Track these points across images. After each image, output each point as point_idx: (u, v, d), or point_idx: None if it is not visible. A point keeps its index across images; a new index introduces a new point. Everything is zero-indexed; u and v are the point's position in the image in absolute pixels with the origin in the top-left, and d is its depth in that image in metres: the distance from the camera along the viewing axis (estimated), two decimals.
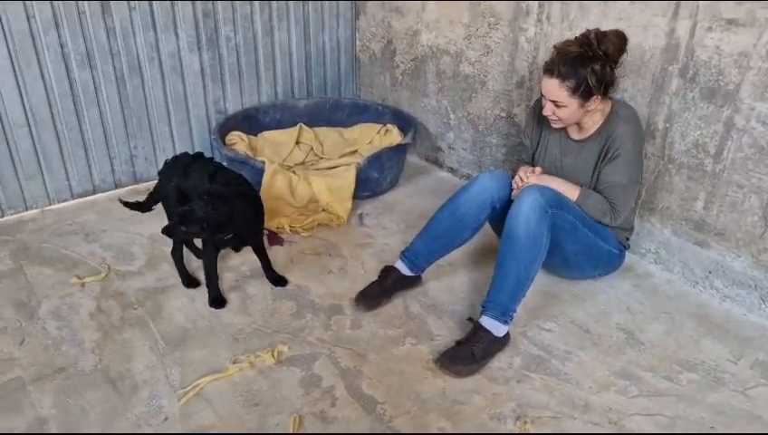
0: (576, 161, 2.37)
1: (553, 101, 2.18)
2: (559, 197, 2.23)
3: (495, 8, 2.95)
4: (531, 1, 2.78)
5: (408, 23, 3.47)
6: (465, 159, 3.44)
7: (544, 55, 2.80)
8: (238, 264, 2.69)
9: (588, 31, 2.13)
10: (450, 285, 2.58)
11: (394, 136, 3.49)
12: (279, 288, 2.54)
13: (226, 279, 2.59)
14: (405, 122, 3.51)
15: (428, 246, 2.43)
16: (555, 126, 2.30)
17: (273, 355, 2.15)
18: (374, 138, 3.58)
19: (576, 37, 2.15)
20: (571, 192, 2.30)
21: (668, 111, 2.41)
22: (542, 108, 2.30)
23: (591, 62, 2.08)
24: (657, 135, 2.46)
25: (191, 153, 2.59)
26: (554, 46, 2.19)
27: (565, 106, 2.17)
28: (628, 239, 2.51)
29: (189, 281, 2.56)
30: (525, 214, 2.15)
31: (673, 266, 2.60)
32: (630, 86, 2.49)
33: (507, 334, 2.20)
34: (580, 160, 2.36)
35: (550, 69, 2.15)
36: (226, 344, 2.22)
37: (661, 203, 2.55)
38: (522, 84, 2.97)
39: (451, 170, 3.57)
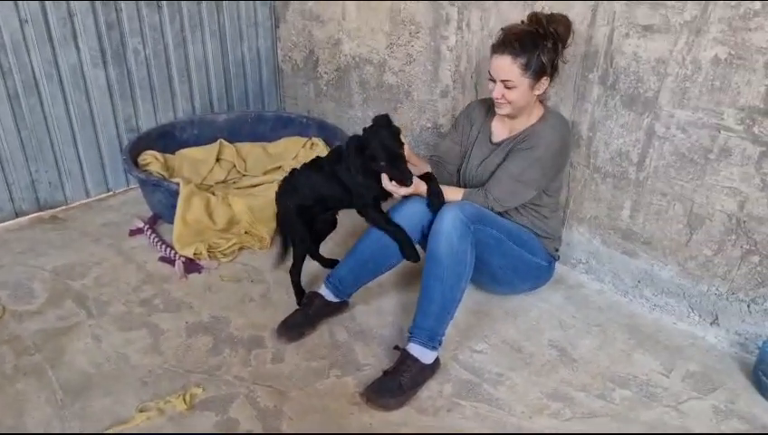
0: (487, 163, 2.29)
1: (504, 81, 2.08)
2: (480, 211, 2.14)
3: (416, 16, 2.85)
4: (451, 8, 2.69)
5: (329, 31, 3.34)
6: None
7: (467, 64, 2.72)
8: (150, 296, 2.50)
9: (535, 12, 2.09)
10: (379, 309, 2.46)
11: (320, 149, 3.35)
12: (193, 321, 2.35)
13: (136, 314, 2.39)
14: (331, 135, 3.37)
15: (354, 272, 2.30)
16: (502, 111, 2.18)
17: (184, 400, 1.97)
18: (299, 152, 3.43)
19: (524, 19, 2.09)
20: (455, 195, 2.22)
21: (591, 120, 2.36)
22: (479, 107, 2.24)
23: (543, 39, 2.03)
24: (582, 144, 2.42)
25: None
26: (501, 29, 2.11)
27: (516, 87, 2.08)
28: (557, 250, 2.44)
29: (302, 297, 2.41)
30: (447, 232, 2.05)
31: (603, 276, 2.56)
32: (554, 94, 2.43)
33: (437, 360, 2.09)
34: (490, 162, 2.27)
35: (502, 46, 2.06)
36: (134, 390, 2.03)
37: (589, 212, 2.50)
38: (446, 94, 2.88)
39: None
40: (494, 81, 2.11)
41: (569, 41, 2.09)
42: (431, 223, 2.22)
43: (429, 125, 3.03)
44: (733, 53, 1.94)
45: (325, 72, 3.48)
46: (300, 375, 2.11)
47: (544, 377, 2.12)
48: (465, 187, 2.32)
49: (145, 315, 2.39)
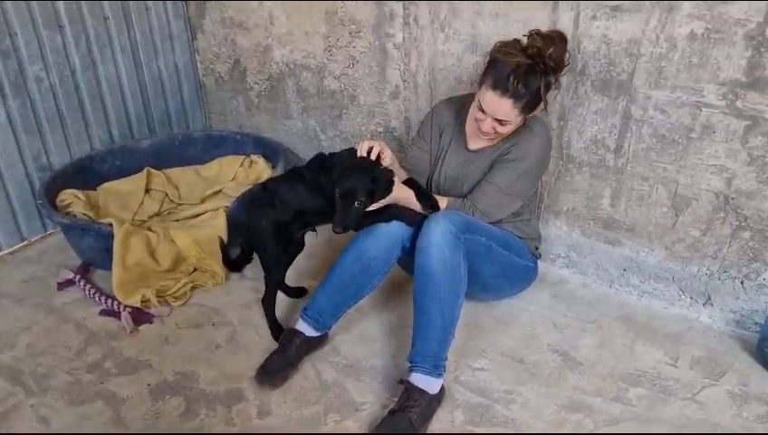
0: (464, 172, 2.14)
1: (499, 120, 1.92)
2: (466, 219, 1.99)
3: (355, 15, 2.65)
4: (395, 3, 2.50)
5: (255, 38, 3.06)
6: None
7: (417, 61, 2.55)
8: (99, 359, 2.16)
9: (531, 35, 1.86)
10: (362, 336, 2.25)
11: (260, 167, 3.08)
12: (156, 381, 2.05)
13: (86, 384, 2.05)
14: (270, 150, 3.11)
15: (334, 300, 2.08)
16: (486, 139, 2.04)
17: None
18: (238, 172, 3.14)
19: (518, 44, 1.86)
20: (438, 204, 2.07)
21: (561, 109, 2.26)
22: (446, 110, 2.13)
23: (544, 75, 1.83)
24: (553, 135, 2.30)
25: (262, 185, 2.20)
26: (494, 54, 1.87)
27: (510, 123, 1.92)
28: (537, 249, 2.32)
29: (279, 332, 2.19)
30: (438, 246, 1.87)
31: (586, 269, 2.47)
32: None
33: (442, 388, 1.92)
34: (468, 172, 2.13)
35: (502, 87, 1.83)
36: None
37: (566, 205, 2.40)
38: (396, 95, 2.70)
39: None
40: (483, 112, 1.93)
41: (565, 69, 1.92)
42: (413, 238, 2.05)
43: (381, 129, 2.83)
44: (710, 27, 1.87)
45: (255, 83, 3.21)
46: (293, 427, 1.87)
47: (555, 387, 1.99)
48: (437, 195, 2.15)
49: (97, 383, 2.06)
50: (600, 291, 2.43)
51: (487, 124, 1.94)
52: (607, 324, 2.25)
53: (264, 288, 2.21)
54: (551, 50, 1.82)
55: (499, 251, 2.08)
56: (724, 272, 2.14)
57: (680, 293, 2.27)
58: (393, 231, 2.03)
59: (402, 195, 1.99)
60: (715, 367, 2.05)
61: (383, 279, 2.10)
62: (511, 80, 1.81)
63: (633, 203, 2.23)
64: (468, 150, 2.14)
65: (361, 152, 1.97)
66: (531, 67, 1.81)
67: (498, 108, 1.88)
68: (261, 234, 2.12)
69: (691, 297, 2.25)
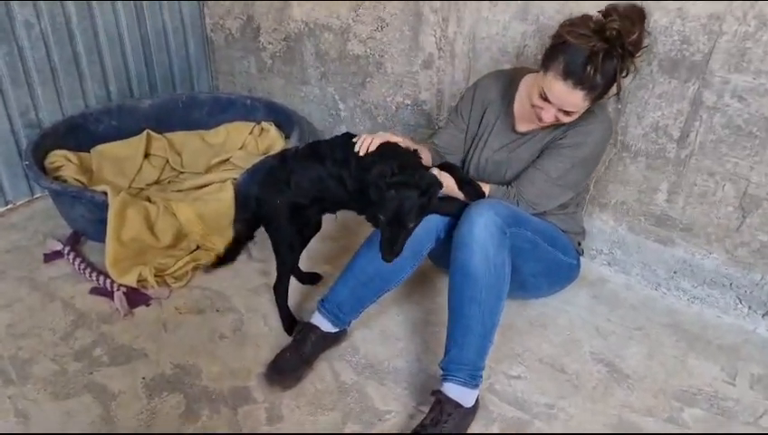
0: (510, 156, 1.89)
1: (565, 110, 1.66)
2: (514, 211, 1.75)
3: None
4: None
5: None
6: None
7: (456, 27, 2.28)
8: (88, 346, 1.93)
9: (608, 13, 1.57)
10: (383, 333, 2.02)
11: (272, 136, 2.82)
12: (152, 375, 1.82)
13: (73, 374, 1.82)
14: (283, 117, 2.84)
15: (356, 294, 1.85)
16: (540, 125, 1.79)
17: None
18: (247, 140, 2.87)
19: (591, 23, 1.57)
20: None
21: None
22: (493, 86, 1.91)
23: (621, 61, 1.57)
24: None
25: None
26: (564, 35, 1.58)
27: (576, 112, 1.67)
28: (580, 244, 2.09)
29: (292, 324, 1.98)
30: (481, 242, 1.64)
31: (630, 268, 2.25)
32: None
33: (477, 400, 1.69)
34: (514, 156, 1.88)
35: (575, 77, 1.57)
36: None
37: (615, 197, 2.17)
38: (429, 64, 2.43)
39: None
40: (546, 100, 1.67)
41: (642, 51, 1.64)
42: (448, 228, 1.81)
43: (408, 102, 2.57)
44: None
45: (269, 43, 2.92)
46: None
47: (601, 403, 1.78)
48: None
49: (85, 374, 1.83)
50: (644, 294, 2.21)
51: (550, 114, 1.69)
52: (655, 332, 2.03)
53: (275, 273, 1.97)
54: (632, 35, 1.55)
55: (544, 247, 1.85)
56: None
57: (737, 301, 2.05)
58: (426, 219, 1.79)
59: (444, 184, 1.75)
60: None
61: (412, 272, 1.86)
62: (587, 70, 1.55)
63: (694, 200, 2.00)
64: (515, 132, 1.89)
65: (361, 150, 1.72)
66: (608, 52, 1.54)
67: (567, 99, 1.62)
68: (274, 213, 1.88)
69: (749, 307, 2.03)
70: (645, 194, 2.09)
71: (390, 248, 1.57)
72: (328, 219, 2.00)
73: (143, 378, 1.82)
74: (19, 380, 1.79)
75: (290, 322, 1.99)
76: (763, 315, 2.01)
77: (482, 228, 1.64)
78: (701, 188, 1.97)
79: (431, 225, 1.80)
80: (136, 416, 1.70)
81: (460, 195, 1.79)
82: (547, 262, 1.90)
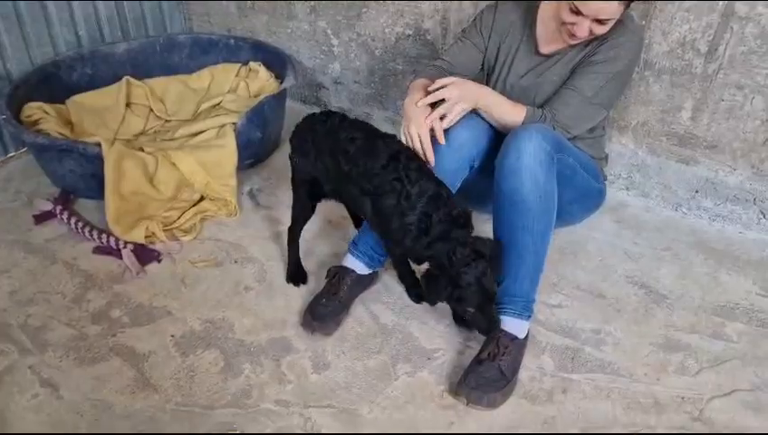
0: (538, 81, 1.81)
1: (599, 20, 1.57)
2: (558, 136, 1.68)
3: None
4: None
5: None
6: (361, 95, 2.72)
7: None
8: (104, 307, 1.79)
9: None
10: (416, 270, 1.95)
11: (262, 77, 2.65)
12: (182, 332, 1.71)
13: (94, 338, 1.69)
14: (272, 58, 2.66)
15: None
16: (572, 43, 1.70)
17: None
18: (234, 83, 2.69)
19: None
20: (514, 113, 1.71)
21: (645, 5, 1.93)
22: (514, 10, 1.78)
23: None
24: None
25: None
26: None
27: (612, 20, 1.58)
28: (602, 170, 2.05)
29: (297, 273, 1.89)
30: (531, 168, 1.57)
31: (650, 191, 2.23)
32: None
33: (528, 332, 1.66)
34: (543, 80, 1.80)
35: None
36: None
37: (635, 119, 2.12)
38: None
39: (342, 111, 2.83)
40: (578, 14, 1.57)
41: None
42: (485, 153, 1.74)
43: (410, 32, 2.43)
44: None
45: None
46: (361, 383, 1.58)
47: (645, 325, 1.77)
48: None
49: (107, 336, 1.71)
50: (665, 215, 2.20)
51: (584, 27, 1.60)
52: (683, 252, 2.03)
53: (286, 219, 1.88)
54: None
55: (581, 174, 1.79)
56: None
57: (761, 215, 2.06)
58: (461, 146, 1.70)
59: (490, 101, 1.66)
60: None
61: None
62: None
63: (719, 116, 1.97)
64: (540, 55, 1.81)
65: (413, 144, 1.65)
66: None
67: (602, 7, 1.54)
68: (294, 169, 1.76)
69: None
70: (668, 113, 2.05)
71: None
72: None
73: (172, 336, 1.71)
74: (36, 348, 1.66)
75: (296, 267, 1.89)
76: None
77: (531, 155, 1.57)
78: (728, 103, 1.94)
79: (463, 155, 1.71)
80: (173, 376, 1.59)
81: (509, 110, 1.70)
82: (582, 189, 1.85)
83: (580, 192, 1.85)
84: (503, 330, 1.58)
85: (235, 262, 1.99)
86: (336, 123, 1.66)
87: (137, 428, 1.46)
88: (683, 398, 1.55)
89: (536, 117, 1.72)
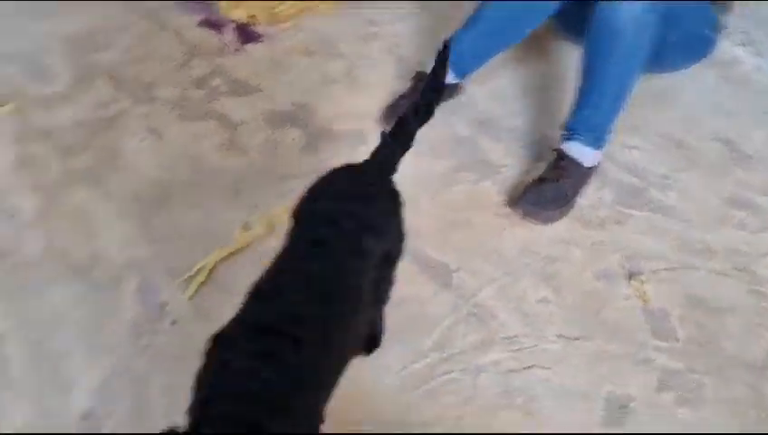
0: None
1: None
2: None
3: None
4: None
5: None
6: None
7: None
8: (206, 75, 1.95)
9: None
10: (498, 91, 1.97)
11: None
12: (270, 108, 1.85)
13: (196, 100, 1.86)
14: None
15: (479, 44, 1.77)
16: None
17: None
18: None
19: None
20: None
21: None
22: None
23: None
24: None
25: None
26: None
27: None
28: (720, 18, 1.91)
29: None
30: None
31: (767, 51, 2.08)
32: None
33: (596, 163, 1.69)
34: None
35: None
36: (225, 200, 1.62)
37: None
38: None
39: None
40: None
41: None
42: None
43: None
44: None
45: None
46: (424, 179, 1.70)
47: (718, 178, 1.75)
48: None
49: (207, 101, 1.88)
50: None
51: None
52: None
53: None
54: None
55: (692, 16, 1.70)
56: None
57: None
58: None
59: None
60: None
61: (537, 26, 1.76)
62: None
63: None
64: None
65: None
66: None
67: None
68: None
69: None
70: None
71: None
72: None
73: (262, 110, 1.85)
74: (146, 100, 1.85)
75: None
76: None
77: None
78: None
79: None
80: (261, 144, 1.76)
81: None
82: (686, 32, 1.75)
83: (683, 34, 1.74)
84: (569, 155, 1.62)
85: (327, 55, 2.06)
86: None
87: (228, 186, 1.64)
88: (734, 249, 1.58)
89: None
